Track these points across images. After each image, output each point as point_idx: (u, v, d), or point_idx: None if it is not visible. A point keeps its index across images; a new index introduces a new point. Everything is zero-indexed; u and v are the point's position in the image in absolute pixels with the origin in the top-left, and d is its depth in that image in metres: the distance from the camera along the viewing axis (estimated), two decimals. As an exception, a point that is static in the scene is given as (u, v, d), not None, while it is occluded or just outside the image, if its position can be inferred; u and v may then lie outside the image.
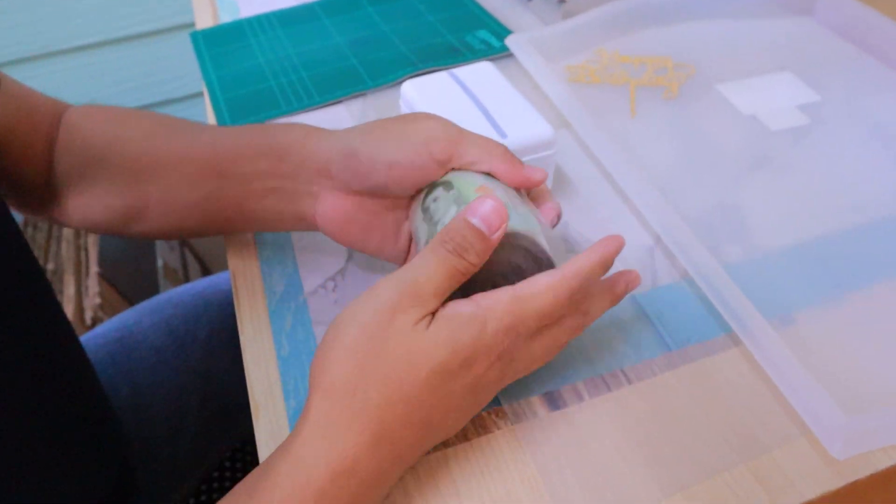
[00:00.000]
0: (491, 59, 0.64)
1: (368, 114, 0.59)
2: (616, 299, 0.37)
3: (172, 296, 0.70)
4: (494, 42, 0.66)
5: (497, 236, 0.32)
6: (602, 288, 0.37)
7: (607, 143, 0.51)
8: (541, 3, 0.69)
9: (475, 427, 0.37)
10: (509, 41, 0.62)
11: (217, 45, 0.70)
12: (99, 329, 0.67)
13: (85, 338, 0.66)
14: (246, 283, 0.46)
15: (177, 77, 1.21)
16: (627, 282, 0.37)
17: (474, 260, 0.32)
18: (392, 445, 0.31)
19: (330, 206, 0.40)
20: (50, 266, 1.05)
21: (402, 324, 0.31)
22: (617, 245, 0.35)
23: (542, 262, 0.34)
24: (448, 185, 0.37)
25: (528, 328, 0.33)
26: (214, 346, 0.67)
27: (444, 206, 0.36)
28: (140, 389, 0.62)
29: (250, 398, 0.39)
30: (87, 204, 0.46)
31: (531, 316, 0.32)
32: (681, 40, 0.65)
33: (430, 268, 0.32)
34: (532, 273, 0.34)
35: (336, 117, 0.59)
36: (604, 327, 0.41)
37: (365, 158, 0.38)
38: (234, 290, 0.45)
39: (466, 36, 0.68)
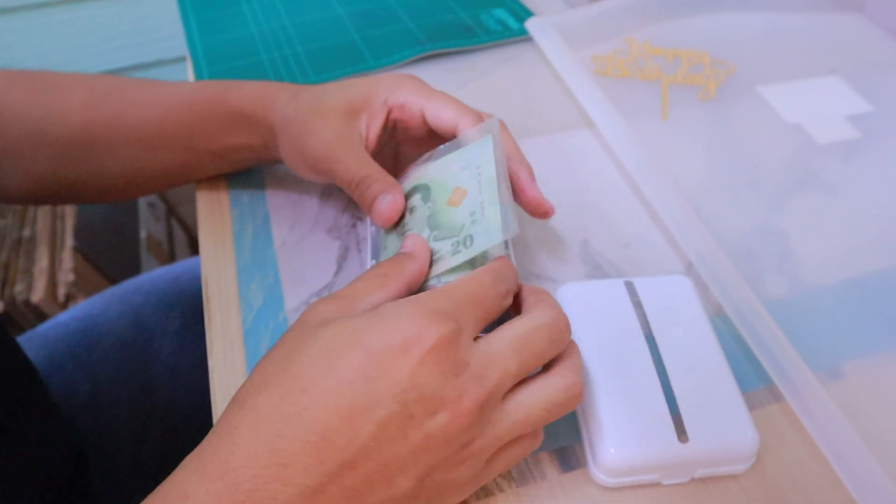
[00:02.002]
0: (508, 43, 0.58)
1: (368, 98, 0.53)
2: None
3: (144, 282, 0.65)
4: (512, 23, 0.59)
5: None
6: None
7: (636, 148, 0.45)
8: (565, -19, 0.63)
9: (473, 487, 0.32)
10: (530, 25, 0.56)
11: (206, 9, 0.64)
12: (61, 317, 0.61)
13: (45, 327, 0.60)
14: (220, 292, 0.40)
15: (165, 38, 1.13)
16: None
17: None
18: (281, 462, 0.24)
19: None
20: (26, 233, 0.99)
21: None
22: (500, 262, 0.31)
23: None
24: (426, 192, 0.35)
25: (465, 317, 0.27)
26: (186, 340, 0.61)
27: (416, 224, 0.34)
28: (101, 388, 0.56)
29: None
30: (23, 179, 0.44)
31: (463, 301, 0.27)
32: (718, 32, 0.58)
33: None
34: None
35: (332, 100, 0.53)
36: (625, 370, 0.36)
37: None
38: (204, 299, 0.40)
39: (481, 14, 0.61)
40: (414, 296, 0.27)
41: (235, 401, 0.25)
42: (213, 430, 0.25)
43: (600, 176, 0.47)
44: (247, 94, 0.42)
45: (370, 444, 0.24)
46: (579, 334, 0.33)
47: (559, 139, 0.49)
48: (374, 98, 0.39)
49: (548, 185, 0.45)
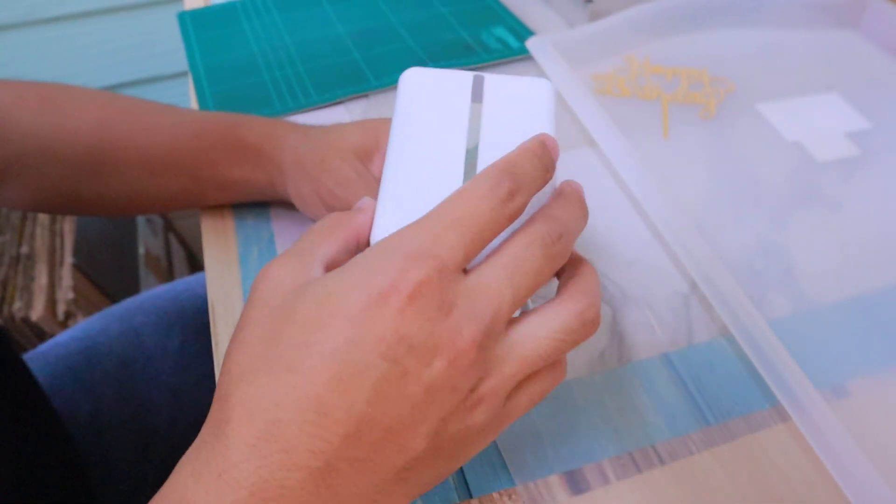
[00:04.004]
0: (508, 62, 0.58)
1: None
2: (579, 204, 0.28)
3: (143, 301, 0.64)
4: (513, 42, 0.60)
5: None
6: (565, 193, 0.27)
7: (638, 167, 0.45)
8: (565, 0, 0.63)
9: (482, 512, 0.32)
10: (531, 44, 0.56)
11: (206, 28, 0.64)
12: (61, 337, 0.61)
13: (45, 347, 0.60)
14: (226, 314, 0.40)
15: (166, 53, 1.13)
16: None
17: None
18: (282, 448, 0.22)
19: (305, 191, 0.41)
20: (24, 250, 0.98)
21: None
22: (546, 138, 0.27)
23: None
24: None
25: (450, 247, 0.23)
26: (186, 359, 0.61)
27: None
28: (103, 408, 0.56)
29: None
30: (28, 192, 0.44)
31: (446, 227, 0.23)
32: (717, 49, 0.59)
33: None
34: None
35: (335, 120, 0.53)
36: (632, 390, 0.36)
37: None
38: (211, 323, 0.40)
39: (482, 33, 0.61)
40: (388, 238, 0.24)
41: (219, 398, 0.23)
42: (202, 431, 0.24)
43: (603, 195, 0.47)
44: (256, 129, 0.43)
45: (369, 411, 0.22)
46: (401, 123, 0.29)
47: (561, 159, 0.49)
48: (382, 140, 0.39)
49: (551, 205, 0.45)
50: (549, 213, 0.25)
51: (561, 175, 0.48)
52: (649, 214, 0.44)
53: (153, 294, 0.66)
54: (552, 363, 0.26)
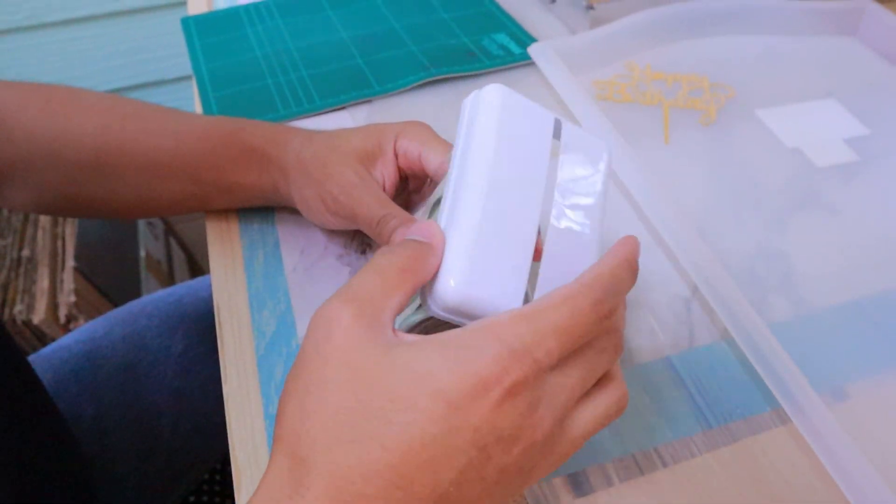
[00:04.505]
0: (510, 69, 0.59)
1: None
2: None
3: (146, 304, 0.65)
4: (514, 48, 0.60)
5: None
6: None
7: (639, 173, 0.46)
8: (566, 6, 0.64)
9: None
10: (532, 50, 0.57)
11: (210, 33, 0.64)
12: (64, 340, 0.61)
13: (49, 350, 0.61)
14: (231, 319, 0.40)
15: (169, 57, 1.14)
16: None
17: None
18: None
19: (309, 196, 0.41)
20: (25, 253, 0.99)
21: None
22: (635, 243, 0.29)
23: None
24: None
25: (549, 352, 0.24)
26: (189, 362, 0.61)
27: None
28: (106, 411, 0.57)
29: (232, 461, 0.34)
30: (31, 194, 0.44)
31: (548, 333, 0.24)
32: (717, 56, 0.59)
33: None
34: None
35: (339, 125, 0.54)
36: (634, 393, 0.37)
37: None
38: (217, 326, 0.40)
39: (483, 39, 0.62)
40: (490, 325, 0.24)
41: (293, 457, 0.23)
42: (270, 485, 0.24)
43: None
44: (260, 133, 0.43)
45: (450, 490, 0.23)
46: (485, 144, 0.27)
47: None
48: (385, 145, 0.39)
49: (553, 210, 0.46)
50: (620, 325, 0.28)
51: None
52: (651, 219, 0.44)
53: (156, 297, 0.66)
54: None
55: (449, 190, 0.28)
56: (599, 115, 0.50)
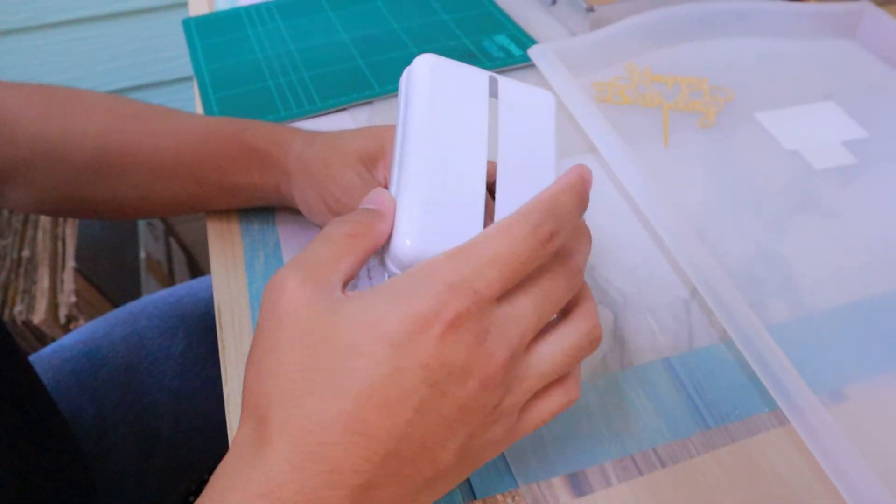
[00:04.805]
0: (510, 70, 0.59)
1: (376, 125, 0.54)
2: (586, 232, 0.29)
3: (146, 304, 0.65)
4: (515, 50, 0.60)
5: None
6: (577, 225, 0.29)
7: (639, 174, 0.46)
8: (566, 8, 0.64)
9: (486, 513, 0.32)
10: (533, 52, 0.57)
11: (211, 35, 0.65)
12: (65, 340, 0.61)
13: (49, 350, 0.61)
14: (233, 320, 0.41)
15: (171, 58, 1.14)
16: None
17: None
18: (328, 469, 0.23)
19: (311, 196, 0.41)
20: (25, 253, 0.99)
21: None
22: (581, 170, 0.28)
23: None
24: None
25: (489, 282, 0.24)
26: (190, 362, 0.62)
27: None
28: (106, 411, 0.57)
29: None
30: (33, 194, 0.45)
31: (486, 263, 0.24)
32: (716, 58, 0.60)
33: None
34: None
35: (340, 127, 0.54)
36: (634, 394, 0.37)
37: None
38: (218, 328, 0.40)
39: (484, 41, 0.62)
40: (428, 264, 0.25)
41: (256, 418, 0.24)
42: (235, 450, 0.24)
43: (605, 202, 0.48)
44: (262, 134, 0.43)
45: (409, 431, 0.23)
46: (418, 114, 0.28)
47: (563, 165, 0.50)
48: (387, 146, 0.40)
49: (553, 211, 0.46)
50: (572, 249, 0.28)
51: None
52: (650, 221, 0.44)
53: (157, 298, 0.66)
54: (563, 381, 0.28)
55: (395, 161, 0.29)
56: (599, 116, 0.50)
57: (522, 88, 0.31)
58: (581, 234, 0.29)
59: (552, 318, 0.28)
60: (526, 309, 0.26)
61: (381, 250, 0.27)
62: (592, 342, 0.28)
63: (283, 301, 0.25)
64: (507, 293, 0.25)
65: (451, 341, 0.23)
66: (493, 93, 0.30)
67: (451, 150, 0.28)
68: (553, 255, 0.26)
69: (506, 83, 0.31)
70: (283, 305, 0.25)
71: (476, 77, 0.30)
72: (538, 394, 0.27)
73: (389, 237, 0.27)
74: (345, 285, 0.26)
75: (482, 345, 0.24)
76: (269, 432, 0.23)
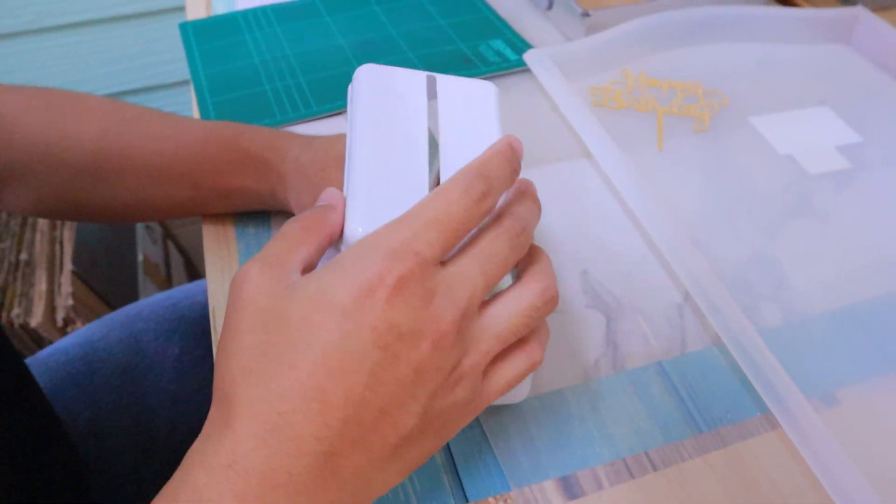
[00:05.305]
0: (506, 75, 0.59)
1: (370, 128, 0.54)
2: (530, 193, 0.30)
3: (143, 308, 0.65)
4: (511, 55, 0.61)
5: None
6: (522, 190, 0.30)
7: (633, 179, 0.46)
8: (562, 13, 0.64)
9: (478, 516, 0.32)
10: (528, 57, 0.57)
11: (208, 39, 0.65)
12: (62, 343, 0.61)
13: (46, 353, 0.61)
14: (225, 322, 0.41)
15: (168, 62, 1.14)
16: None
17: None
18: (290, 437, 0.24)
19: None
20: (23, 256, 0.99)
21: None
22: (510, 138, 0.29)
23: None
24: None
25: (429, 243, 0.25)
26: (186, 365, 0.62)
27: None
28: (102, 414, 0.57)
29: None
30: (31, 197, 0.45)
31: (423, 227, 0.25)
32: (711, 63, 0.60)
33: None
34: None
35: (336, 131, 0.54)
36: (626, 398, 0.37)
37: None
38: (213, 331, 0.40)
39: (480, 45, 0.62)
40: (369, 237, 0.26)
41: (220, 399, 0.25)
42: (205, 430, 0.25)
43: (598, 206, 0.48)
44: (259, 138, 0.43)
45: (366, 395, 0.24)
46: (362, 118, 0.31)
47: (557, 169, 0.50)
48: None
49: (546, 215, 0.46)
50: (512, 210, 0.29)
51: (559, 186, 0.49)
52: (644, 225, 0.44)
53: (153, 301, 0.67)
54: (525, 345, 0.29)
55: (346, 164, 0.31)
56: (594, 121, 0.50)
57: (463, 82, 0.34)
58: (524, 198, 0.30)
59: (507, 283, 0.29)
60: (471, 269, 0.26)
61: (338, 241, 0.29)
62: (547, 302, 0.28)
63: (244, 290, 0.26)
64: (452, 257, 0.27)
65: (397, 303, 0.24)
66: (432, 89, 0.33)
67: (393, 145, 0.30)
68: (492, 215, 0.28)
69: (445, 80, 0.33)
70: (244, 294, 0.26)
71: (414, 78, 0.33)
72: (500, 357, 0.28)
73: (343, 230, 0.29)
74: (304, 273, 0.27)
75: (429, 305, 0.25)
76: (233, 409, 0.24)
